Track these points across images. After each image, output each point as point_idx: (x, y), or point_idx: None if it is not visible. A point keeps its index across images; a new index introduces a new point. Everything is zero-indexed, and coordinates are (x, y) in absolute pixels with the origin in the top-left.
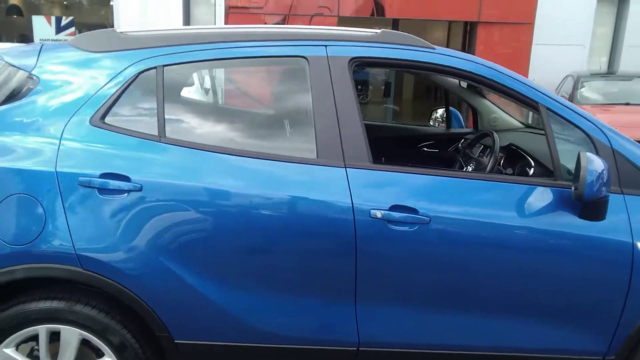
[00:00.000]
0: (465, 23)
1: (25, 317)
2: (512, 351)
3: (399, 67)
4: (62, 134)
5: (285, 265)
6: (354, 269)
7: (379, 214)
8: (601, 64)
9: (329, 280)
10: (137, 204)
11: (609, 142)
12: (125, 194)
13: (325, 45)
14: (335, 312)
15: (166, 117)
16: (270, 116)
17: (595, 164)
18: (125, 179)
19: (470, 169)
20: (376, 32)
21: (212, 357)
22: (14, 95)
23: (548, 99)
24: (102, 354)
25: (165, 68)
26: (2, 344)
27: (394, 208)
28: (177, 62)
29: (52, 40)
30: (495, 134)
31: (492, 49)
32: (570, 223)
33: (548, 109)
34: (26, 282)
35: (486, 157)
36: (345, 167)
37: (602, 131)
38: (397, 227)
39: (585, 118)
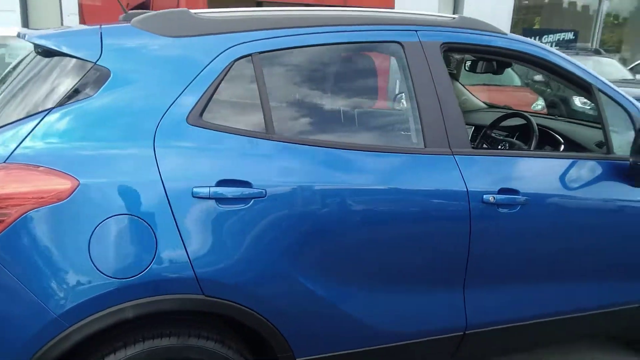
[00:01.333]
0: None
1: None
2: (599, 309)
3: (480, 52)
4: (154, 137)
5: (408, 258)
6: (467, 255)
7: (492, 198)
8: None
9: (444, 268)
10: (261, 213)
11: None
12: (249, 203)
13: (416, 31)
14: (445, 299)
15: (272, 110)
16: (374, 105)
17: None
18: (246, 184)
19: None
20: (454, 18)
21: None
22: (78, 92)
23: (598, 80)
24: None
25: (261, 55)
26: None
27: (501, 191)
28: (275, 48)
29: None
30: (527, 114)
31: None
32: (629, 191)
33: (599, 89)
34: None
35: (514, 138)
36: (453, 155)
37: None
38: (504, 210)
39: (627, 98)
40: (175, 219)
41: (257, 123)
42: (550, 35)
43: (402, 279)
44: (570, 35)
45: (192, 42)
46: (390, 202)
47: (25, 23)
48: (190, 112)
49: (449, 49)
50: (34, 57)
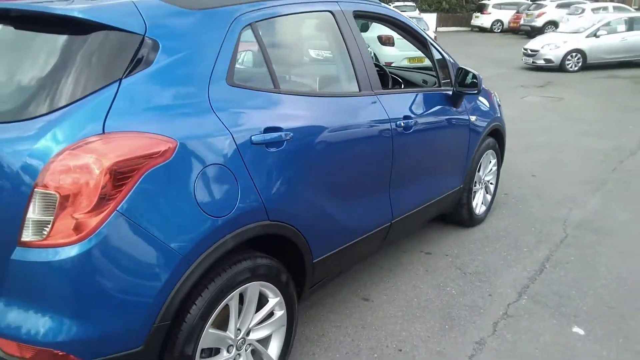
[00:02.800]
0: None
1: (226, 287)
2: (437, 197)
3: (369, 17)
4: (209, 99)
5: (367, 171)
6: (391, 163)
7: (402, 123)
8: None
9: (382, 175)
10: (293, 151)
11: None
12: (284, 144)
13: (337, 2)
14: (382, 199)
15: (277, 69)
16: (329, 61)
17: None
18: (279, 129)
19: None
20: None
21: (326, 267)
22: (139, 62)
23: (429, 38)
24: (265, 302)
25: (258, 23)
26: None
27: (405, 118)
28: (268, 17)
29: None
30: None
31: None
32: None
33: (430, 44)
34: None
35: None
36: (375, 95)
37: (446, 58)
38: (407, 131)
39: (444, 51)
40: (244, 163)
41: (266, 80)
42: None
43: (363, 188)
44: None
45: (210, 14)
46: (355, 130)
47: None
48: (226, 75)
49: (356, 16)
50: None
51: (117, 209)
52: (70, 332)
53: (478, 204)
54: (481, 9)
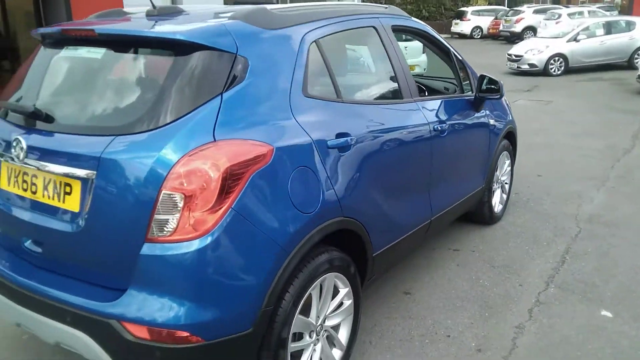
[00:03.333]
0: None
1: (310, 277)
2: (464, 197)
3: (407, 32)
4: (290, 109)
5: (414, 171)
6: (430, 164)
7: (438, 127)
8: None
9: (425, 175)
10: (357, 153)
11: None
12: (350, 148)
13: (378, 18)
14: (424, 197)
15: (338, 81)
16: (375, 71)
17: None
18: (347, 135)
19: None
20: (387, 7)
21: (382, 261)
22: (235, 78)
23: (452, 48)
24: (336, 292)
25: (321, 40)
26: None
27: (440, 122)
28: (328, 33)
29: None
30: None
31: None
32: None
33: (453, 53)
34: None
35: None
36: (414, 101)
37: (467, 66)
38: (442, 134)
39: (465, 60)
40: (324, 165)
41: (331, 91)
42: None
43: (410, 187)
44: None
45: (285, 34)
46: (402, 134)
47: None
48: (302, 87)
49: (394, 29)
50: (131, 51)
51: (232, 207)
52: (193, 316)
53: (496, 203)
54: (460, 15)
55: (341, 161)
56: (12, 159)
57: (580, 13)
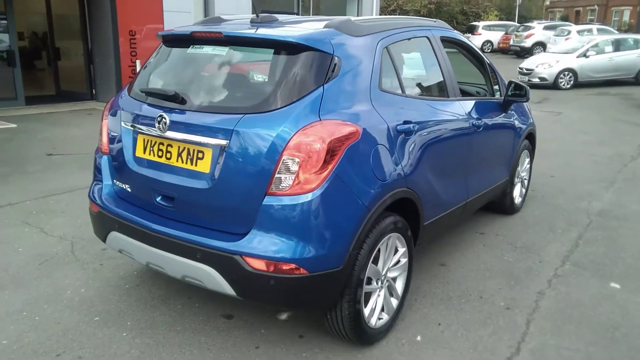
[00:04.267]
0: None
1: (380, 233)
2: (489, 186)
3: (451, 42)
4: (370, 99)
5: (458, 156)
6: (468, 154)
7: (476, 122)
8: None
9: (464, 160)
10: (417, 137)
11: (502, 80)
12: (412, 133)
13: (430, 29)
14: (463, 181)
15: (402, 79)
16: (429, 72)
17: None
18: (410, 122)
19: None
20: (436, 21)
21: (429, 231)
22: (332, 73)
23: (486, 57)
24: (396, 251)
25: (390, 45)
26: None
27: (477, 119)
28: (395, 41)
29: None
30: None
31: (131, 13)
32: (502, 114)
33: (487, 63)
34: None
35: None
36: (457, 100)
37: (496, 73)
38: (479, 129)
39: (495, 68)
40: (395, 144)
41: (397, 87)
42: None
43: (453, 170)
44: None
45: (365, 40)
46: (450, 124)
47: None
48: (378, 83)
49: (442, 40)
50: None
51: (333, 170)
52: (301, 252)
53: (516, 195)
54: (472, 30)
55: (406, 143)
56: (151, 132)
57: (590, 30)
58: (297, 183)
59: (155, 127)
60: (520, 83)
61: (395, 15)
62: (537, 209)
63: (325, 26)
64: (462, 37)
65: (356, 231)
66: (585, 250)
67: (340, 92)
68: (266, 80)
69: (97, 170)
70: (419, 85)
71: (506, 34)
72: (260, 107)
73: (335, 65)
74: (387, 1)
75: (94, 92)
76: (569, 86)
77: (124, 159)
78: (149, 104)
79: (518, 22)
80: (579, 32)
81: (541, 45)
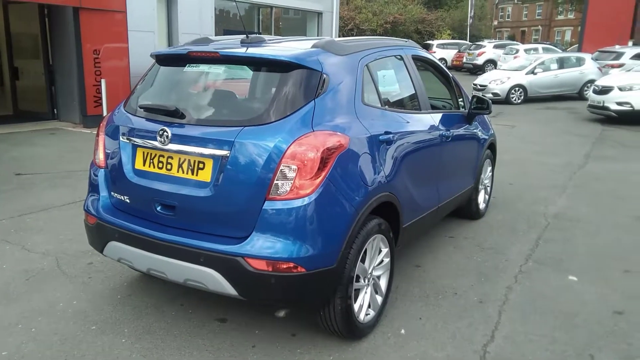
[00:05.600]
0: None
1: (367, 234)
2: (457, 193)
3: (420, 60)
4: (355, 112)
5: (427, 165)
6: (437, 163)
7: (444, 133)
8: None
9: (435, 169)
10: (396, 146)
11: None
12: (392, 142)
13: (402, 48)
14: (434, 187)
15: (381, 93)
16: (403, 88)
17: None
18: (389, 133)
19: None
20: (407, 41)
21: (407, 233)
22: (321, 89)
23: (450, 74)
24: (380, 251)
25: (370, 63)
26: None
27: (446, 130)
28: (374, 59)
29: None
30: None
31: (96, 33)
32: (467, 126)
33: (452, 78)
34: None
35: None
36: (428, 113)
37: (461, 88)
38: (447, 139)
39: (459, 84)
40: (377, 153)
41: (377, 100)
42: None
43: (426, 176)
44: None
45: (349, 58)
46: (423, 135)
47: None
48: (361, 97)
49: (412, 59)
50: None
51: (326, 176)
52: (299, 251)
53: (481, 201)
54: (426, 48)
55: (387, 152)
56: (152, 145)
57: (536, 49)
58: (294, 188)
59: (156, 141)
60: (483, 97)
61: (353, 34)
62: (499, 214)
63: (313, 46)
64: (429, 56)
65: (347, 232)
66: (544, 249)
67: (329, 106)
68: (262, 95)
69: (93, 183)
70: (395, 99)
71: (459, 52)
72: (257, 120)
73: (324, 81)
74: (345, 21)
75: (55, 112)
76: (519, 101)
77: (122, 171)
78: (149, 119)
79: (470, 41)
80: (526, 50)
81: (492, 63)
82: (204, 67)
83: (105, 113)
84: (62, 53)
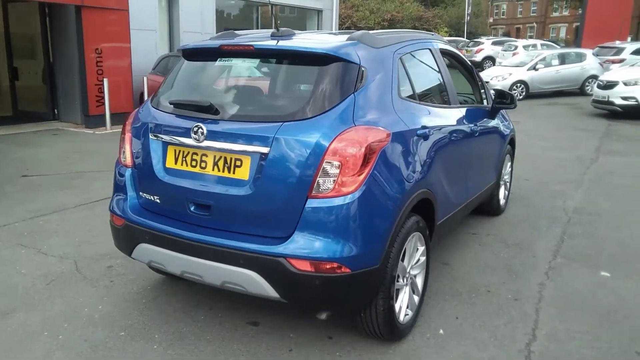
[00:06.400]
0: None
1: (407, 232)
2: (482, 188)
3: (446, 54)
4: (393, 106)
5: (460, 160)
6: (468, 158)
7: (472, 128)
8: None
9: (467, 163)
10: (431, 141)
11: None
12: (428, 137)
13: (431, 41)
14: (465, 182)
15: (414, 87)
16: (434, 82)
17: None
18: (426, 127)
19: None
20: (433, 34)
21: (440, 230)
22: (361, 82)
23: (474, 67)
24: (417, 249)
25: (403, 56)
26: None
27: (474, 124)
28: (407, 52)
29: None
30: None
31: (98, 31)
32: (490, 120)
33: (476, 73)
34: None
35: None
36: (457, 107)
37: (484, 82)
38: (475, 134)
39: (482, 78)
40: (416, 148)
41: (411, 94)
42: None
43: (458, 172)
44: None
45: (384, 51)
46: (456, 129)
47: None
48: (398, 91)
49: (441, 52)
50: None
51: (369, 173)
52: (344, 251)
53: (501, 197)
54: None
55: (423, 146)
56: (185, 143)
57: (534, 45)
58: (338, 186)
59: (190, 138)
60: (507, 91)
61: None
62: (519, 210)
63: (349, 39)
64: (455, 49)
65: (390, 230)
66: (570, 244)
67: (368, 100)
68: (299, 89)
69: (119, 183)
70: (427, 92)
71: (457, 48)
72: (297, 115)
73: (362, 74)
74: (342, 19)
75: (55, 112)
76: (521, 97)
77: (152, 170)
78: (181, 116)
79: (467, 38)
80: (524, 47)
81: (490, 60)
82: (237, 61)
83: (108, 113)
84: (63, 52)
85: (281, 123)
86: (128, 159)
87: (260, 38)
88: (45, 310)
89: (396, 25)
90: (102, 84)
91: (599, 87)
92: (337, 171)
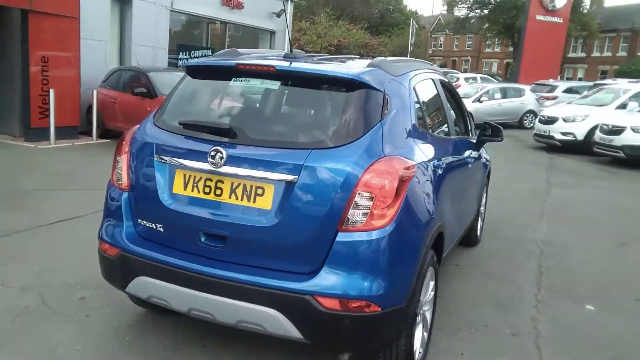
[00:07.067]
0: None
1: (427, 265)
2: (469, 217)
3: (442, 85)
4: (413, 136)
5: (457, 191)
6: (464, 187)
7: (467, 158)
8: (135, 58)
9: (467, 189)
10: (442, 173)
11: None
12: (440, 168)
13: (433, 72)
14: (466, 207)
15: (426, 117)
16: (438, 111)
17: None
18: (439, 159)
19: None
20: (431, 64)
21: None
22: (386, 110)
23: (463, 102)
24: (429, 284)
25: (416, 85)
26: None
27: (467, 155)
28: (418, 81)
29: None
30: None
31: (45, 38)
32: (475, 152)
33: (463, 107)
34: None
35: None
36: (455, 138)
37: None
38: (469, 164)
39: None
40: (434, 179)
41: (425, 124)
42: (195, 51)
43: (458, 202)
44: (208, 52)
45: (402, 79)
46: (458, 160)
47: None
48: (416, 120)
49: (440, 83)
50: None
51: (400, 206)
52: (375, 289)
53: (478, 228)
54: None
55: (438, 177)
56: (197, 167)
57: (474, 78)
58: (370, 219)
59: (207, 162)
60: (496, 125)
61: None
62: (492, 240)
63: (369, 65)
64: (449, 81)
65: (417, 266)
66: (549, 277)
67: (393, 129)
68: (326, 115)
69: (113, 208)
70: (434, 122)
71: None
72: (327, 143)
73: (387, 102)
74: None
75: None
76: None
77: (156, 196)
78: (194, 138)
79: None
80: (465, 79)
81: None
82: (255, 82)
83: (52, 126)
84: (4, 59)
85: (310, 150)
86: (124, 181)
87: (272, 58)
88: (15, 350)
89: (342, 51)
90: (47, 95)
91: (541, 121)
92: (369, 203)
